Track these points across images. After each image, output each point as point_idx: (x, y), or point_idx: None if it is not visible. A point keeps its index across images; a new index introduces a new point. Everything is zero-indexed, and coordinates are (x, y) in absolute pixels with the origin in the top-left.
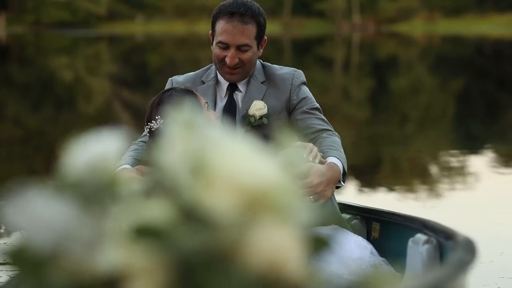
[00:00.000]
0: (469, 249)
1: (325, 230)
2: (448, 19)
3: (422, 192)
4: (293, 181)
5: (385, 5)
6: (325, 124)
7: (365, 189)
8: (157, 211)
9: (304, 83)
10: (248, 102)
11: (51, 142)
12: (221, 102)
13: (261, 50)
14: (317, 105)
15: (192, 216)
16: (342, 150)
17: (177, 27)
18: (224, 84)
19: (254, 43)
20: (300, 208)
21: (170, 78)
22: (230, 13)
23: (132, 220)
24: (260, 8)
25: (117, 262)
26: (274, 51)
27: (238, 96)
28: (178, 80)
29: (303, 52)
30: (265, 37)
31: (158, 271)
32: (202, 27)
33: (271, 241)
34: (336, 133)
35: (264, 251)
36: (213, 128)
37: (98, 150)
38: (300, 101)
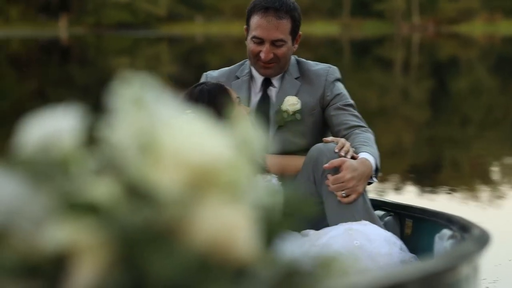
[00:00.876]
0: (479, 240)
1: (355, 226)
2: (509, 19)
3: (483, 195)
4: (246, 159)
5: (445, 5)
6: (359, 121)
7: (425, 191)
8: (101, 188)
9: (338, 80)
10: (282, 98)
11: None
12: (255, 97)
13: (296, 45)
14: (352, 101)
15: (136, 193)
16: (375, 146)
17: (236, 28)
18: (258, 79)
19: (288, 38)
20: (251, 186)
21: (204, 73)
22: (265, 8)
23: (74, 197)
24: (295, 3)
25: (62, 239)
26: (333, 52)
27: (272, 92)
28: (212, 75)
29: (362, 53)
30: (300, 32)
31: (101, 249)
32: None
33: (218, 220)
34: (370, 130)
35: (210, 229)
36: (163, 105)
37: (52, 128)
38: (334, 97)
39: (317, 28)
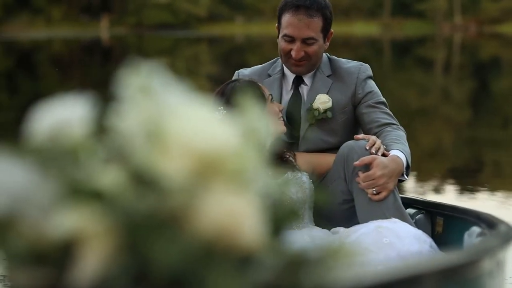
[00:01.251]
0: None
1: (385, 223)
2: None
3: None
4: (253, 148)
5: (487, 5)
6: (390, 118)
7: (466, 192)
8: (107, 176)
9: (370, 77)
10: (313, 96)
11: None
12: (287, 95)
13: (328, 43)
14: (383, 99)
15: (142, 180)
16: (406, 144)
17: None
18: (290, 77)
19: (320, 36)
20: (258, 175)
21: (237, 71)
22: (296, 6)
23: (80, 185)
24: (327, 0)
25: (69, 226)
26: (373, 52)
27: (304, 89)
28: (244, 73)
29: (402, 53)
30: (332, 30)
31: (107, 235)
32: None
33: (223, 207)
34: (401, 127)
35: (215, 217)
36: (170, 93)
37: (62, 116)
38: (365, 95)
39: (357, 28)
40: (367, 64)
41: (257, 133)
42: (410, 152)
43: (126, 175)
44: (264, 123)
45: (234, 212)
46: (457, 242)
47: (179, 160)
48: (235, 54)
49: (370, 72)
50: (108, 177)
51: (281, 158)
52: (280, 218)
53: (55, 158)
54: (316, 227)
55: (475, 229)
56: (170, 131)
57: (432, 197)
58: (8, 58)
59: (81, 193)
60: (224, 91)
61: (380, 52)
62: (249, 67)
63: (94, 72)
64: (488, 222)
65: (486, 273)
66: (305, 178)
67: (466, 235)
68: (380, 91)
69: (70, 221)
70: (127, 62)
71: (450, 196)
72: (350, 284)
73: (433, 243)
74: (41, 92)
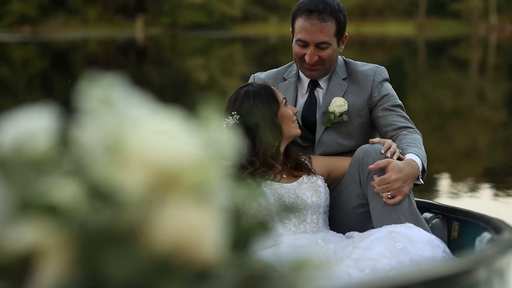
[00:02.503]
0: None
1: (398, 228)
2: None
3: None
4: (214, 161)
5: None
6: (407, 122)
7: (501, 194)
8: (64, 189)
9: (386, 80)
10: (329, 99)
11: None
12: (302, 99)
13: (342, 47)
14: (399, 102)
15: (99, 194)
16: (422, 147)
17: None
18: (305, 80)
19: (333, 40)
20: (220, 188)
21: (252, 75)
22: (309, 10)
23: (36, 198)
24: (340, 4)
25: (26, 240)
26: (408, 53)
27: (319, 93)
28: (260, 76)
29: (438, 54)
30: (346, 33)
31: (63, 249)
32: None
33: (181, 221)
34: (418, 131)
35: (172, 231)
36: (132, 106)
37: (26, 128)
38: (381, 98)
39: (392, 28)
40: (383, 67)
41: (220, 146)
42: (427, 156)
43: (83, 188)
44: (226, 136)
45: (192, 226)
46: (471, 247)
47: (137, 173)
48: (269, 54)
49: (386, 75)
50: (66, 191)
51: (296, 162)
52: (245, 231)
53: (16, 170)
54: (330, 231)
55: (486, 235)
56: (130, 144)
57: (465, 200)
58: (44, 58)
59: (36, 207)
60: (237, 96)
61: (415, 53)
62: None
63: (129, 72)
64: (496, 228)
65: (482, 281)
66: (320, 181)
67: (477, 241)
68: (415, 91)
69: (26, 235)
70: (162, 62)
71: (483, 198)
72: None
73: (447, 249)
74: (31, 106)
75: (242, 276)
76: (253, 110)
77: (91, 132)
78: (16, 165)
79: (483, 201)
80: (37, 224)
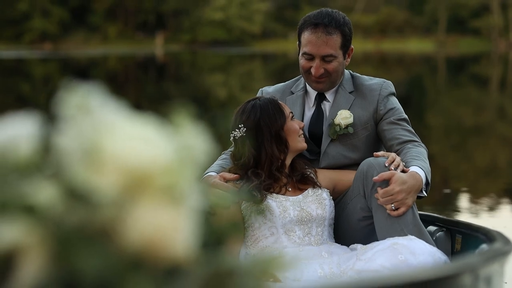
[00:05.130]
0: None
1: (401, 240)
2: None
3: None
4: (185, 164)
5: None
6: (412, 136)
7: None
8: (42, 191)
9: (393, 94)
10: (335, 111)
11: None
12: (309, 112)
13: (348, 59)
14: (405, 116)
15: (75, 195)
16: (427, 161)
17: None
18: (313, 94)
19: (339, 53)
20: (189, 190)
21: (260, 89)
22: (314, 24)
23: (15, 199)
24: (346, 17)
25: (5, 239)
26: (428, 69)
27: (326, 106)
28: (268, 90)
29: (458, 71)
30: (352, 46)
31: (40, 247)
32: (355, 45)
33: (151, 221)
34: (423, 145)
35: (143, 230)
36: (107, 111)
37: (10, 134)
38: (387, 112)
39: (412, 45)
40: (390, 81)
41: (191, 149)
42: (431, 169)
43: (60, 190)
44: (199, 140)
45: (162, 225)
46: None
47: (110, 176)
48: (288, 71)
49: (392, 89)
50: (43, 192)
51: (302, 175)
52: (218, 231)
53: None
54: (335, 243)
55: (484, 247)
56: (104, 148)
57: (485, 217)
58: (65, 74)
59: (16, 206)
60: (245, 109)
61: (435, 70)
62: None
63: (149, 88)
64: (492, 239)
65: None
66: (325, 194)
67: (477, 253)
68: (435, 108)
69: (5, 234)
70: (181, 78)
71: (504, 216)
72: None
73: (449, 261)
74: (16, 113)
75: (210, 273)
76: (260, 124)
77: (69, 137)
78: None
79: (503, 219)
80: (16, 223)
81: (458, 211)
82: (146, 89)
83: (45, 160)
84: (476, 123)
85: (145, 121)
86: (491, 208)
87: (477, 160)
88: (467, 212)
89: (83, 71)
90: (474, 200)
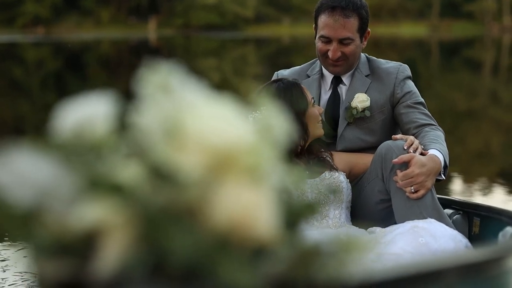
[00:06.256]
0: None
1: (421, 223)
2: None
3: None
4: (267, 143)
5: None
6: (429, 119)
7: None
8: (127, 170)
9: (409, 78)
10: (351, 95)
11: None
12: (325, 95)
13: (365, 43)
14: (422, 99)
15: (160, 174)
16: (444, 144)
17: None
18: (329, 77)
19: (356, 36)
20: (272, 169)
21: (276, 72)
22: (332, 7)
23: (101, 179)
24: (363, 0)
25: (90, 218)
26: (421, 54)
27: (342, 89)
28: (283, 73)
29: (451, 55)
30: (369, 29)
31: (126, 227)
32: None
33: (237, 201)
34: (440, 128)
35: (229, 210)
36: (188, 91)
37: (86, 113)
38: (404, 95)
39: (405, 29)
40: (406, 65)
41: (273, 129)
42: (450, 156)
43: (144, 170)
44: (279, 120)
45: (248, 205)
46: (494, 242)
47: (195, 156)
48: (282, 55)
49: (409, 73)
50: (128, 172)
51: (318, 158)
52: (295, 211)
53: (79, 153)
54: (353, 226)
55: (509, 229)
56: (187, 127)
57: (479, 201)
58: (57, 59)
59: (102, 186)
60: (268, 90)
61: (428, 54)
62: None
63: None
64: None
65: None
66: (342, 177)
67: (500, 235)
68: (428, 92)
69: (91, 213)
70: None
71: (497, 199)
72: (376, 277)
73: (469, 243)
74: (89, 93)
75: (296, 254)
76: (283, 108)
77: (150, 117)
78: (77, 148)
79: (495, 202)
80: (103, 203)
81: (451, 194)
82: (139, 73)
83: (122, 139)
84: (469, 107)
85: (226, 100)
86: (484, 192)
87: (470, 144)
88: (461, 195)
89: (76, 56)
90: (467, 183)
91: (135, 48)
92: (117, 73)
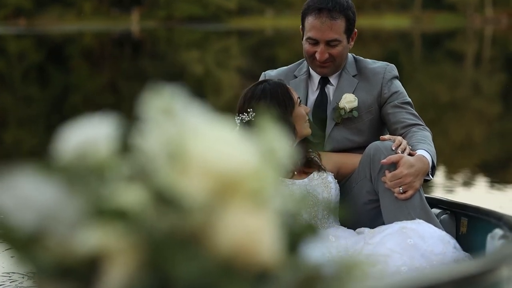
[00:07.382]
0: None
1: (409, 224)
2: None
3: None
4: (270, 167)
5: None
6: (416, 119)
7: (496, 186)
8: (130, 194)
9: (396, 77)
10: (339, 95)
11: None
12: (313, 96)
13: (352, 43)
14: (409, 99)
15: (164, 199)
16: (432, 144)
17: None
18: (316, 77)
19: (343, 37)
20: (276, 194)
21: (263, 72)
22: (318, 9)
23: (104, 203)
24: (349, 1)
25: (94, 243)
26: (404, 45)
27: (330, 90)
28: (270, 74)
29: (433, 46)
30: (356, 29)
31: (130, 252)
32: None
33: (241, 225)
34: (427, 128)
35: (233, 235)
36: (192, 115)
37: (88, 135)
38: (391, 95)
39: (387, 21)
40: (393, 65)
41: (275, 152)
42: (436, 151)
43: (148, 194)
44: (282, 143)
45: (252, 230)
46: (481, 243)
47: (198, 180)
48: (265, 48)
49: (396, 72)
50: (131, 196)
51: (306, 159)
52: (297, 234)
53: (81, 176)
54: (341, 227)
55: (498, 231)
56: (191, 151)
57: (461, 193)
58: (40, 51)
59: (105, 211)
60: (254, 92)
61: (410, 46)
62: (279, 61)
63: (124, 65)
64: (509, 224)
65: (504, 279)
66: (330, 178)
67: (489, 237)
68: (411, 84)
69: (95, 237)
70: (157, 55)
71: (479, 191)
72: None
73: (457, 244)
74: (71, 85)
75: (299, 277)
76: (270, 109)
77: (153, 140)
78: (80, 171)
79: (477, 195)
80: (106, 228)
81: (433, 187)
82: (122, 66)
83: (124, 162)
84: (452, 99)
85: (227, 124)
86: (466, 184)
87: (452, 135)
88: (442, 187)
89: (58, 47)
90: (449, 175)
91: (118, 40)
92: (100, 65)
